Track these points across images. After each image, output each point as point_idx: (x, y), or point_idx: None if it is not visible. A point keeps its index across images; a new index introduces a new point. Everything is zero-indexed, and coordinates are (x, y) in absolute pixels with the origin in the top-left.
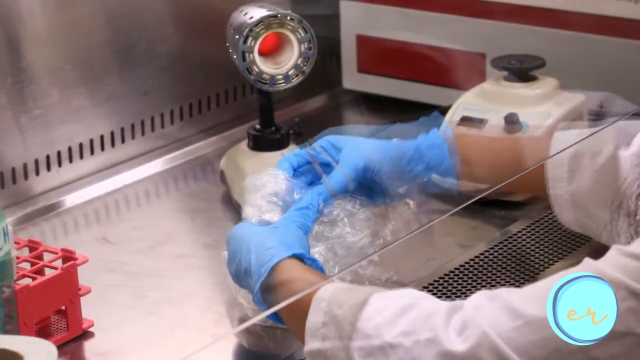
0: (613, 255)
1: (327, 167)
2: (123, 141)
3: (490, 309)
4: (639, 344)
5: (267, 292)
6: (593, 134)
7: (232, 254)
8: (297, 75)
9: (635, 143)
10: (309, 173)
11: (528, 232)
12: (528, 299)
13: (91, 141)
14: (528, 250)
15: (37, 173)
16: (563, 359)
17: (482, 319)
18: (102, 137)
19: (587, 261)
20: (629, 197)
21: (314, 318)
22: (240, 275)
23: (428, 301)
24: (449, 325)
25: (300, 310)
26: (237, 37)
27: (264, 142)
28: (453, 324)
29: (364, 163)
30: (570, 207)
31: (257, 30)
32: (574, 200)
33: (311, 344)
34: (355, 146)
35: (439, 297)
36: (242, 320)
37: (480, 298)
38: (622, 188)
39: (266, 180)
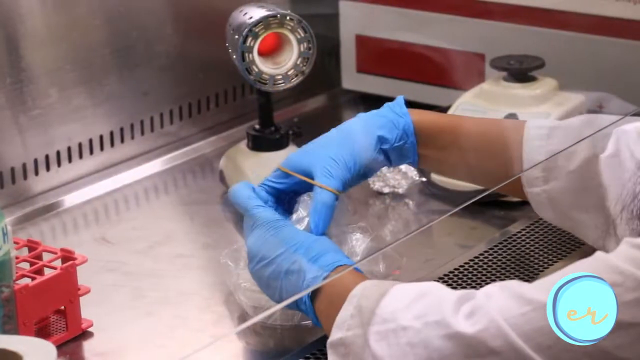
0: (624, 247)
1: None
2: (122, 141)
3: (501, 297)
4: None
5: (319, 292)
6: (580, 141)
7: (266, 244)
8: (296, 76)
9: (610, 146)
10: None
11: (528, 232)
12: (537, 288)
13: (90, 141)
14: (528, 251)
15: (37, 173)
16: (569, 347)
17: (491, 305)
18: (101, 137)
19: (599, 254)
20: (630, 201)
21: (344, 312)
22: (278, 269)
23: (443, 289)
24: (459, 311)
25: (337, 309)
26: (236, 37)
27: (263, 142)
28: (463, 310)
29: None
30: (548, 206)
31: (257, 30)
32: (550, 200)
33: (334, 335)
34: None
35: None
36: (241, 319)
37: (492, 288)
38: (613, 190)
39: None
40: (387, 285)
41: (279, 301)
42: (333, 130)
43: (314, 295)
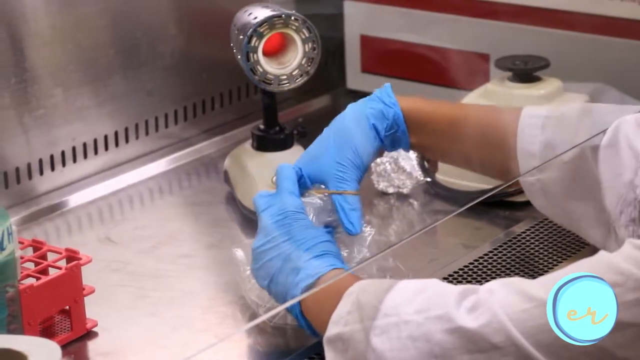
0: (627, 247)
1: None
2: (127, 141)
3: (503, 293)
4: None
5: (309, 296)
6: (574, 146)
7: (276, 229)
8: (301, 76)
9: (607, 135)
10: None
11: (532, 232)
12: (539, 285)
13: (95, 141)
14: (532, 251)
15: (41, 173)
16: (569, 345)
17: (493, 300)
18: (105, 137)
19: (602, 253)
20: (630, 201)
21: (341, 308)
22: (277, 257)
23: (445, 284)
24: (461, 305)
25: (331, 309)
26: (241, 37)
27: (268, 142)
28: (465, 304)
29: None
30: (541, 195)
31: (261, 30)
32: (544, 189)
33: (331, 330)
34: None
35: None
36: (245, 319)
37: (494, 284)
38: (608, 181)
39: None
40: (386, 282)
41: (267, 288)
42: (329, 131)
43: (305, 290)
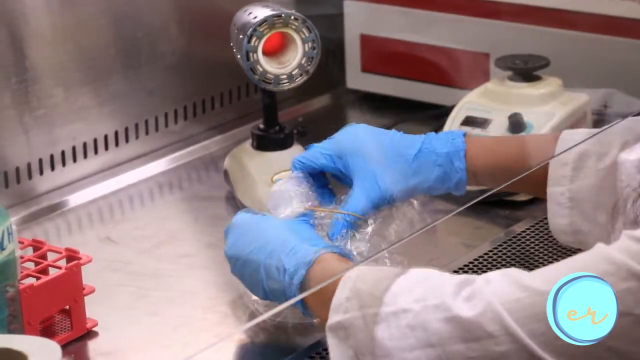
0: (622, 239)
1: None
2: (127, 141)
3: (499, 282)
4: (637, 323)
5: (307, 283)
6: (602, 130)
7: (239, 242)
8: (301, 75)
9: (637, 147)
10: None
11: (532, 232)
12: (536, 276)
13: (95, 141)
14: (532, 250)
15: (41, 172)
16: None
17: (490, 290)
18: (106, 137)
19: (599, 245)
20: (630, 207)
21: (339, 294)
22: (254, 264)
23: (444, 274)
24: (459, 295)
25: (330, 297)
26: (241, 36)
27: (268, 141)
28: (462, 293)
29: (379, 192)
30: (567, 206)
31: (261, 30)
32: (572, 199)
33: (332, 318)
34: (365, 165)
35: None
36: (246, 318)
37: (492, 274)
38: (622, 194)
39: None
40: (383, 269)
41: (263, 297)
42: (405, 157)
43: (301, 284)
